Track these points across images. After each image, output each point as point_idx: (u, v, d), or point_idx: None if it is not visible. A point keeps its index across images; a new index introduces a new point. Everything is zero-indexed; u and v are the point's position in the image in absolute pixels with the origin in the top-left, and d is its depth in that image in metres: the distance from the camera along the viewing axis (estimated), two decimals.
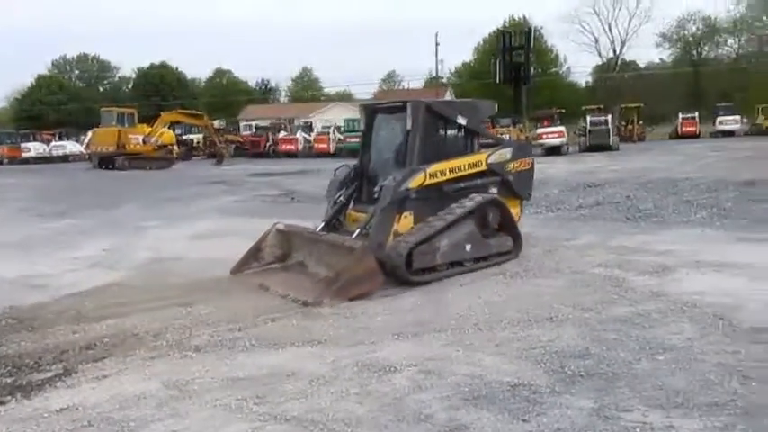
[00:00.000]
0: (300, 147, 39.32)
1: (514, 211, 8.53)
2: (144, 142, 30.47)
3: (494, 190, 8.35)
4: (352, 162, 8.81)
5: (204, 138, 39.31)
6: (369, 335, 5.38)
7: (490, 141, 9.15)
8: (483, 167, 8.21)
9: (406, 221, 7.51)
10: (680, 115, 43.70)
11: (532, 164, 8.96)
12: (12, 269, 8.46)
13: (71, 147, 42.78)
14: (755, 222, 10.32)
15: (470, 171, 8.06)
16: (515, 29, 44.30)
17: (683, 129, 42.26)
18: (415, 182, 7.45)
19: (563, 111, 36.11)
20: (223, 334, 5.52)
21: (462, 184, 7.95)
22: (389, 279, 6.97)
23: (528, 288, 6.73)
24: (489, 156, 8.30)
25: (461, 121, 8.15)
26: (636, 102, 45.26)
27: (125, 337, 5.53)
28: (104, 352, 5.20)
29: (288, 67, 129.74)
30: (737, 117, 43.17)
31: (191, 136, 41.91)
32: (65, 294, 7.13)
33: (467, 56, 73.25)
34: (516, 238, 8.22)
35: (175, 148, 35.28)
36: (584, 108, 39.82)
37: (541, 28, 62.38)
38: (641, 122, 43.67)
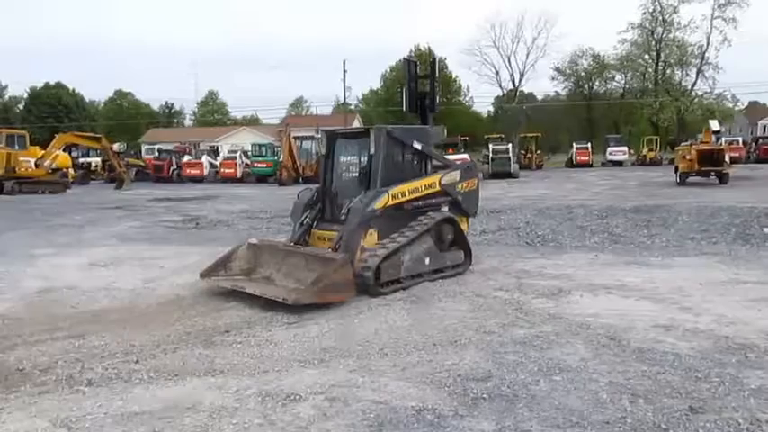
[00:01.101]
0: (206, 171, 38.42)
1: (464, 226, 9.33)
2: (36, 165, 28.71)
3: (445, 208, 9.03)
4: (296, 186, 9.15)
5: (103, 161, 37.55)
6: (273, 363, 5.28)
7: (440, 164, 9.74)
8: (437, 188, 8.90)
9: (371, 238, 8.11)
10: (574, 145, 46.28)
11: (478, 184, 9.71)
12: None
13: None
14: (642, 247, 11.05)
15: (427, 192, 8.76)
16: (421, 58, 45.67)
17: (577, 158, 44.77)
18: (380, 203, 8.09)
19: (467, 139, 37.35)
20: (118, 366, 5.24)
21: (420, 203, 8.66)
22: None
23: (432, 312, 6.84)
24: (442, 177, 9.00)
25: (417, 145, 8.82)
26: (534, 131, 47.56)
27: (8, 373, 5.13)
28: None
29: (193, 91, 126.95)
30: (625, 148, 46.37)
31: (89, 159, 39.95)
32: None
33: (374, 83, 74.55)
34: (467, 251, 9.02)
35: (71, 171, 33.50)
36: (486, 137, 41.43)
37: (445, 59, 64.60)
38: (539, 151, 45.92)
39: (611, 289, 7.80)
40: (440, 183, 8.94)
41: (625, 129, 62.30)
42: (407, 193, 8.46)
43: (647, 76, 60.59)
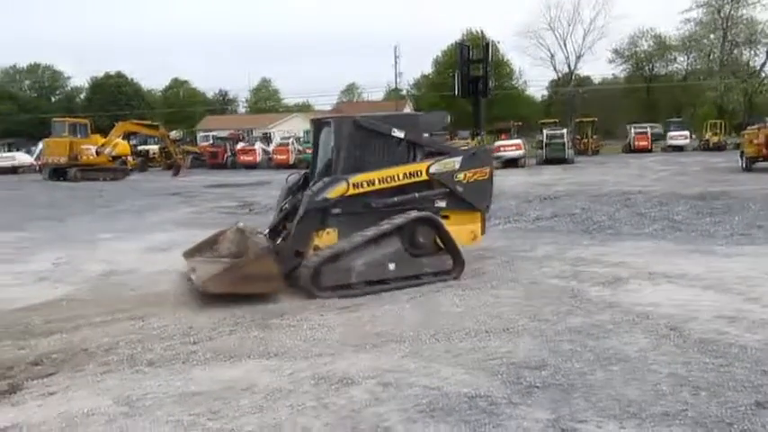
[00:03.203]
0: (259, 158, 39.00)
1: (473, 226, 8.19)
2: (98, 153, 29.77)
3: (442, 203, 7.96)
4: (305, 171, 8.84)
5: (161, 149, 38.63)
6: (327, 347, 5.33)
7: (436, 151, 8.48)
8: (423, 177, 7.81)
9: (328, 237, 7.38)
10: (633, 129, 44.86)
11: (490, 173, 8.33)
12: None
13: (21, 158, 41.52)
14: (705, 235, 10.65)
15: (406, 181, 7.72)
16: (474, 42, 45.07)
17: (636, 143, 43.37)
18: (334, 192, 7.33)
19: (520, 124, 36.76)
20: (177, 347, 5.40)
21: (396, 199, 7.65)
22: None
23: (485, 299, 6.77)
24: (431, 165, 7.86)
25: (398, 134, 7.83)
26: (591, 116, 46.37)
27: (74, 353, 5.35)
28: (52, 368, 5.01)
29: (247, 78, 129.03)
30: (687, 132, 44.65)
31: (147, 147, 41.16)
32: (11, 309, 6.85)
33: (426, 68, 73.94)
34: (456, 256, 7.75)
35: (130, 159, 34.59)
36: (541, 122, 40.66)
37: (499, 42, 63.52)
38: (596, 136, 44.75)
39: (672, 278, 7.54)
40: (427, 171, 7.81)
41: (687, 112, 60.01)
42: (377, 182, 7.50)
43: (712, 56, 58.25)
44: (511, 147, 31.39)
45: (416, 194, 7.77)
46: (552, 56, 61.77)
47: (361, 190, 7.44)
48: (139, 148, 40.37)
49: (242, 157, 38.83)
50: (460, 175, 8.00)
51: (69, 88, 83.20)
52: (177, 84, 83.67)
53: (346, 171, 7.54)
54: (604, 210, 13.33)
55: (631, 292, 6.98)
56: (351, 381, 4.51)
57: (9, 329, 6.07)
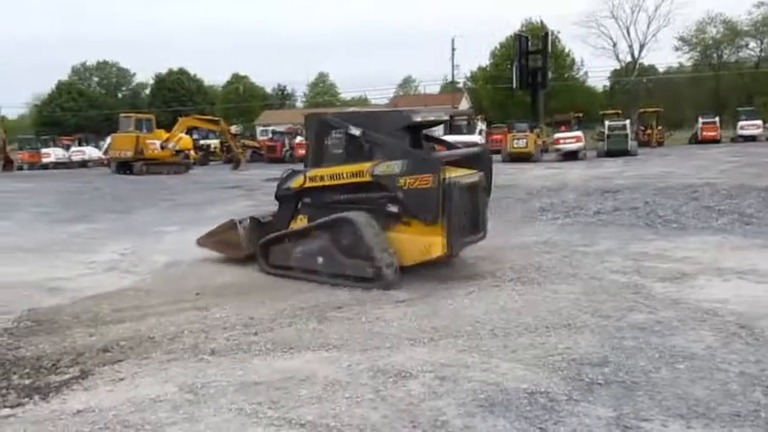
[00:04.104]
0: None
1: (430, 239, 7.15)
2: (162, 147, 30.68)
3: (394, 208, 7.40)
4: None
5: (221, 143, 39.48)
6: (384, 340, 5.35)
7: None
8: (367, 177, 7.43)
9: (300, 223, 8.11)
10: (700, 120, 43.11)
11: (434, 181, 7.04)
12: (30, 273, 8.53)
13: (90, 152, 43.30)
14: None
15: (352, 180, 7.56)
16: (532, 33, 44.23)
17: (704, 133, 41.66)
18: (295, 182, 8.13)
19: (580, 115, 35.86)
20: (239, 338, 5.53)
21: (342, 197, 7.66)
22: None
23: (545, 294, 6.66)
24: (374, 166, 7.39)
25: (354, 131, 7.59)
26: (655, 106, 44.88)
27: (141, 341, 5.55)
28: (121, 355, 5.22)
29: (304, 73, 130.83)
30: (759, 122, 42.55)
31: (208, 141, 42.12)
32: (82, 297, 7.18)
33: (483, 60, 72.94)
34: (375, 267, 7.04)
35: (193, 153, 35.50)
36: (602, 113, 39.57)
37: (558, 32, 61.99)
38: (660, 127, 43.27)
39: (741, 273, 7.23)
40: (370, 171, 7.38)
41: (760, 100, 57.26)
42: (327, 178, 7.73)
43: None
44: (570, 139, 30.75)
45: (362, 195, 7.56)
46: (615, 45, 59.87)
47: (316, 184, 7.92)
48: (201, 142, 41.31)
49: (299, 152, 39.05)
50: (401, 180, 7.21)
51: (134, 84, 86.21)
52: (237, 79, 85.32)
53: (313, 164, 8.07)
54: (668, 203, 12.87)
55: (698, 288, 6.74)
56: (408, 374, 4.52)
57: (80, 317, 6.35)
